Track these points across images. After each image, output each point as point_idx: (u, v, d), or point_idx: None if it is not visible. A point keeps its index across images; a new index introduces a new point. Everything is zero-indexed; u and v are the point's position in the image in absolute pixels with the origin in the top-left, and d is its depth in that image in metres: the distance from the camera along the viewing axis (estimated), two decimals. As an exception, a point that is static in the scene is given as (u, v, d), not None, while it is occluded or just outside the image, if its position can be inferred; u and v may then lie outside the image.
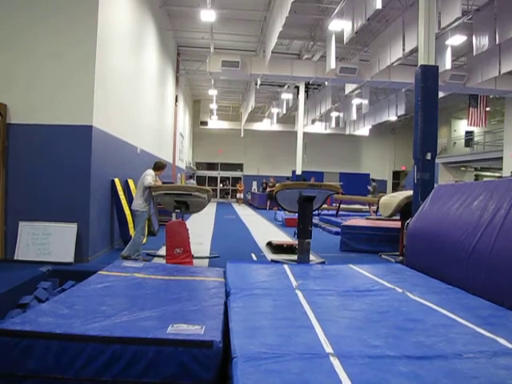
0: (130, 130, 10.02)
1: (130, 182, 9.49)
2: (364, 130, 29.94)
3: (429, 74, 8.08)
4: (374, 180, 22.33)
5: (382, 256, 8.64)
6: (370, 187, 21.09)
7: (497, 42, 12.36)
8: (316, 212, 13.42)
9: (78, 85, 7.03)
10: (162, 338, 2.90)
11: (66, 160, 6.97)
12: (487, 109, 21.30)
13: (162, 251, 7.54)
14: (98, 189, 7.51)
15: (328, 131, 30.86)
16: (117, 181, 8.60)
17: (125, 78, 9.63)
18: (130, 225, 8.62)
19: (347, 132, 29.81)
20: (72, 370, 2.84)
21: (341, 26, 13.13)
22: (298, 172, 21.89)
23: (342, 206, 16.54)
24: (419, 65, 8.22)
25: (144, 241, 8.24)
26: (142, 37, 11.56)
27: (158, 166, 7.65)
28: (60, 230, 6.86)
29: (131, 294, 4.29)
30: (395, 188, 30.68)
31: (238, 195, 30.64)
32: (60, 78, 7.00)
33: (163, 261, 6.90)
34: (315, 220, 14.32)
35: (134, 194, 8.46)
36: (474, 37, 13.13)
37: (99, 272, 5.02)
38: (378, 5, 10.52)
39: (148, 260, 7.25)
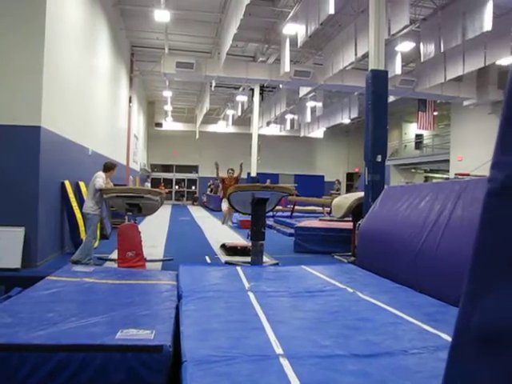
0: (81, 130, 9.79)
1: (82, 184, 9.25)
2: (318, 133, 30.36)
3: (379, 79, 8.29)
4: (339, 182, 22.97)
5: (335, 256, 8.78)
6: (332, 191, 21.48)
7: (441, 50, 12.87)
8: (271, 213, 13.53)
9: (26, 84, 6.82)
10: (110, 344, 2.84)
11: (13, 162, 6.73)
12: (435, 113, 22.04)
13: (114, 255, 7.39)
14: (47, 191, 7.29)
15: (283, 133, 31.13)
16: (67, 183, 8.37)
17: (76, 78, 9.40)
18: (82, 228, 8.40)
19: (302, 134, 30.17)
20: (14, 381, 2.72)
21: (295, 29, 13.32)
22: (253, 174, 21.97)
23: (296, 207, 16.70)
24: (370, 69, 8.42)
25: (96, 244, 8.05)
26: (93, 36, 11.31)
27: (108, 167, 7.47)
28: (6, 234, 6.60)
29: (80, 299, 4.18)
30: (349, 189, 31.26)
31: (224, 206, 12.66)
32: (6, 78, 6.77)
33: (115, 265, 6.78)
34: (270, 221, 14.40)
35: (85, 197, 8.27)
36: (421, 44, 13.62)
37: (47, 277, 4.88)
38: (331, 10, 10.73)
39: (99, 264, 7.08)
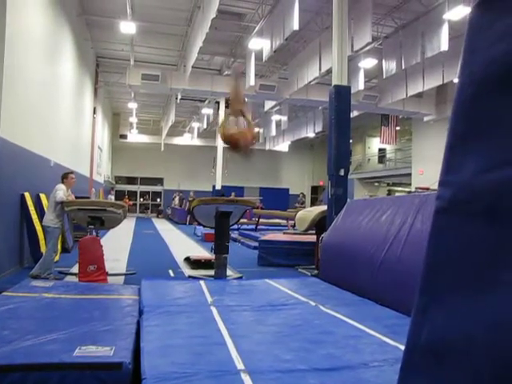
0: (43, 141, 9.58)
1: (43, 196, 9.03)
2: (283, 146, 30.60)
3: (342, 94, 8.43)
4: (304, 195, 23.32)
5: (299, 269, 8.82)
6: (297, 204, 21.77)
7: (403, 67, 13.28)
8: (236, 226, 13.51)
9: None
10: (67, 362, 2.75)
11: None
12: (397, 128, 22.61)
13: (76, 269, 7.23)
14: (5, 203, 7.08)
15: (249, 146, 31.19)
16: (27, 195, 8.16)
17: (38, 87, 9.21)
18: (42, 241, 8.17)
19: (267, 147, 30.35)
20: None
21: (260, 44, 13.48)
22: (218, 187, 21.96)
23: (261, 220, 16.74)
24: (333, 85, 8.56)
25: (56, 258, 7.85)
26: (57, 46, 11.13)
27: (64, 176, 7.29)
28: (-40, 248, 6.38)
29: (38, 315, 4.05)
30: (314, 202, 31.55)
31: None
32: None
33: (76, 279, 6.62)
34: (234, 234, 14.37)
35: (46, 209, 8.08)
36: (383, 61, 14.02)
37: (3, 293, 4.70)
38: (296, 26, 10.91)
39: (60, 278, 6.91)
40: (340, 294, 5.47)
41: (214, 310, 4.32)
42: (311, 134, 25.62)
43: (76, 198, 7.62)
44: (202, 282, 5.77)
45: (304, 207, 19.50)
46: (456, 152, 1.15)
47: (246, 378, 2.68)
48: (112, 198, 25.28)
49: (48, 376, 2.67)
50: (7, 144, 6.97)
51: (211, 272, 7.26)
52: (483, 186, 1.05)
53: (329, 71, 14.23)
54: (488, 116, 1.08)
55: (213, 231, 7.29)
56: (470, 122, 1.13)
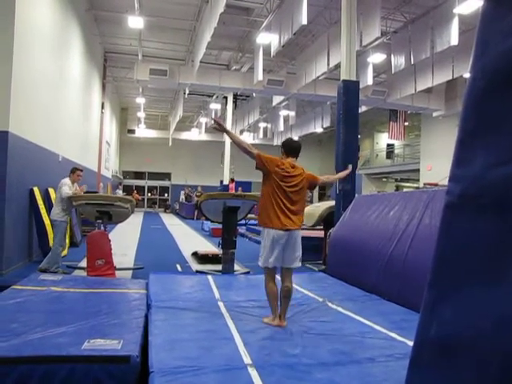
0: (51, 136, 9.61)
1: (51, 190, 9.07)
2: (291, 141, 30.46)
3: (350, 89, 8.39)
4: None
5: (306, 265, 8.79)
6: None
7: (412, 62, 13.18)
8: (243, 221, 13.51)
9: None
10: (75, 355, 2.77)
11: (-22, 168, 6.56)
12: (406, 123, 22.43)
13: (84, 263, 7.27)
14: (14, 198, 7.12)
15: (256, 142, 31.15)
16: (36, 190, 8.20)
17: (47, 83, 9.24)
18: (51, 235, 8.20)
19: (275, 143, 30.24)
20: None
21: (268, 39, 13.43)
22: (226, 182, 21.96)
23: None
24: (341, 80, 8.52)
25: (65, 252, 7.90)
26: (65, 41, 11.15)
27: (72, 171, 7.31)
28: (-30, 242, 6.42)
29: (47, 309, 4.08)
30: (321, 198, 31.49)
31: None
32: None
33: (84, 273, 6.66)
34: (242, 230, 14.37)
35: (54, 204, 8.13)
36: (392, 56, 13.92)
37: (13, 287, 4.74)
38: (304, 21, 10.84)
39: (68, 272, 6.95)
40: (347, 289, 5.47)
41: (221, 304, 4.33)
42: (319, 130, 25.52)
43: (84, 192, 7.65)
44: (209, 277, 5.78)
45: (311, 202, 19.46)
46: (466, 146, 1.14)
47: (253, 372, 2.68)
48: (120, 192, 25.34)
49: (56, 368, 2.69)
50: (16, 139, 7.00)
51: (219, 267, 7.27)
52: (492, 181, 1.04)
53: (337, 66, 14.14)
54: (498, 111, 1.07)
55: (220, 226, 7.29)
56: (479, 117, 1.12)
